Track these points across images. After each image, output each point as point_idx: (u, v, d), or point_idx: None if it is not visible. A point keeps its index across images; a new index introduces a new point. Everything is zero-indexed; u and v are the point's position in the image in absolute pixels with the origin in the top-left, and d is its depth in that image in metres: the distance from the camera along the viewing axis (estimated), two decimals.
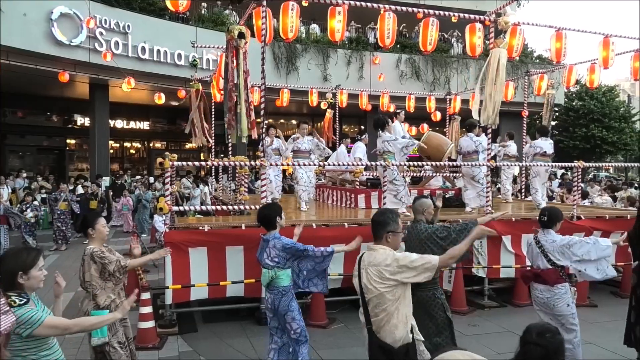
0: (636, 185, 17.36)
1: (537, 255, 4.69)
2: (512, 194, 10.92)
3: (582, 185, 14.60)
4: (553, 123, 27.98)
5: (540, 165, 8.44)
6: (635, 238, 5.15)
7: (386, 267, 3.03)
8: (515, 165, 9.91)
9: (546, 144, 8.64)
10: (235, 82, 6.24)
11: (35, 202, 12.10)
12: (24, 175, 15.73)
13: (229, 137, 6.57)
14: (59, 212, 12.05)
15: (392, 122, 10.44)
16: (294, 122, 22.59)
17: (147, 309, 5.70)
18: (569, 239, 4.62)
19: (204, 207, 9.02)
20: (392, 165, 7.15)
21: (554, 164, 8.65)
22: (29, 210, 11.45)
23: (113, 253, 4.13)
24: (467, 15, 7.32)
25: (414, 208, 4.60)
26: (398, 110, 10.89)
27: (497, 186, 11.49)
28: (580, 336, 4.69)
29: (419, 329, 3.36)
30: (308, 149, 8.88)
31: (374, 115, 19.25)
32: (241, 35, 6.08)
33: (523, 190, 11.91)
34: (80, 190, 14.72)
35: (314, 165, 9.12)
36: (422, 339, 3.32)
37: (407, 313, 3.10)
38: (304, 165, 8.18)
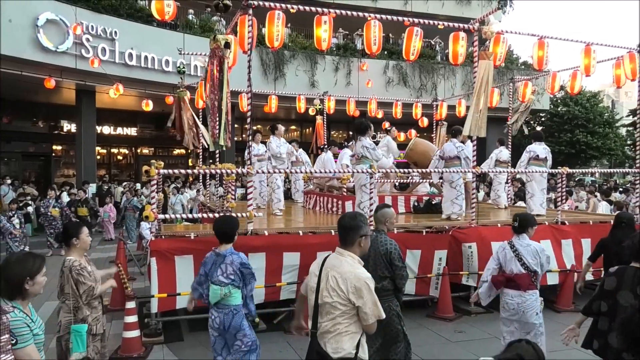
0: (620, 189, 17.59)
1: (510, 259, 4.69)
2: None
3: (573, 189, 14.81)
4: (538, 128, 28.32)
5: (535, 171, 8.52)
6: (612, 243, 5.27)
7: (346, 279, 2.92)
8: (506, 171, 10.01)
9: (540, 149, 8.73)
10: (218, 92, 6.23)
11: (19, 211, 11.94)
12: (9, 181, 15.53)
13: (210, 145, 6.56)
14: (50, 219, 11.92)
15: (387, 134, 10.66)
16: (282, 128, 22.59)
17: (132, 318, 5.66)
18: (541, 246, 4.68)
19: (190, 215, 8.99)
20: (365, 171, 7.09)
21: (544, 169, 8.70)
22: (15, 217, 11.31)
23: (91, 266, 4.07)
24: (453, 24, 7.40)
25: (375, 218, 4.56)
26: (389, 128, 11.07)
27: (486, 192, 11.61)
28: (546, 347, 4.74)
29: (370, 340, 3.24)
30: (284, 152, 8.95)
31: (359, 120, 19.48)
32: (227, 45, 6.08)
33: (512, 197, 12.04)
34: (65, 197, 14.57)
35: (302, 172, 9.21)
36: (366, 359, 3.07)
37: (356, 329, 2.96)
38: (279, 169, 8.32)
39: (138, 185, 17.83)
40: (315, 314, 3.02)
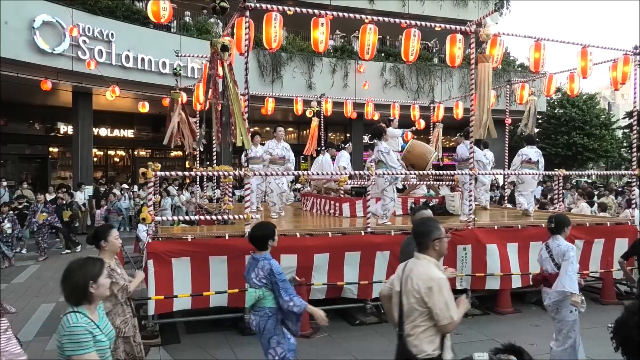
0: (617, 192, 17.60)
1: (545, 259, 4.83)
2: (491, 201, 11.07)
3: (564, 191, 14.83)
4: (536, 130, 28.38)
5: (526, 173, 8.55)
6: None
7: (419, 281, 3.01)
8: (490, 173, 10.06)
9: (531, 152, 8.75)
10: (220, 92, 6.23)
11: (11, 213, 11.84)
12: (4, 184, 15.46)
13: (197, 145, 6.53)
14: (37, 224, 11.83)
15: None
16: (281, 130, 22.58)
17: None
18: (567, 247, 4.70)
19: (187, 217, 8.98)
20: (383, 175, 7.16)
21: (536, 171, 8.73)
22: (6, 221, 11.23)
23: (120, 268, 4.13)
24: (450, 26, 7.41)
25: (413, 220, 4.55)
26: (392, 118, 11.16)
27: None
28: (579, 341, 4.77)
29: None
30: (281, 155, 8.90)
31: (360, 123, 19.49)
32: (224, 48, 6.08)
33: (503, 198, 12.07)
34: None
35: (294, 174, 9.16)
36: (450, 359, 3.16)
37: (435, 331, 3.04)
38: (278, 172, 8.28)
39: (135, 187, 17.79)
40: (401, 316, 3.12)
